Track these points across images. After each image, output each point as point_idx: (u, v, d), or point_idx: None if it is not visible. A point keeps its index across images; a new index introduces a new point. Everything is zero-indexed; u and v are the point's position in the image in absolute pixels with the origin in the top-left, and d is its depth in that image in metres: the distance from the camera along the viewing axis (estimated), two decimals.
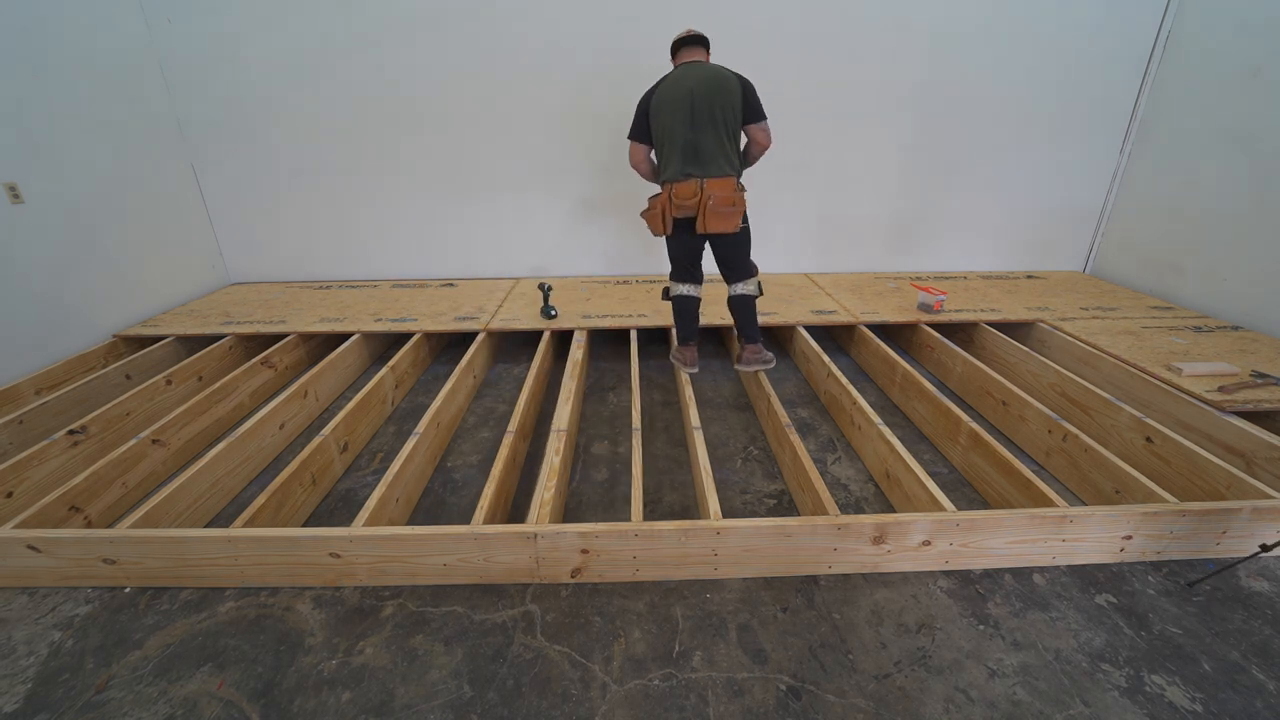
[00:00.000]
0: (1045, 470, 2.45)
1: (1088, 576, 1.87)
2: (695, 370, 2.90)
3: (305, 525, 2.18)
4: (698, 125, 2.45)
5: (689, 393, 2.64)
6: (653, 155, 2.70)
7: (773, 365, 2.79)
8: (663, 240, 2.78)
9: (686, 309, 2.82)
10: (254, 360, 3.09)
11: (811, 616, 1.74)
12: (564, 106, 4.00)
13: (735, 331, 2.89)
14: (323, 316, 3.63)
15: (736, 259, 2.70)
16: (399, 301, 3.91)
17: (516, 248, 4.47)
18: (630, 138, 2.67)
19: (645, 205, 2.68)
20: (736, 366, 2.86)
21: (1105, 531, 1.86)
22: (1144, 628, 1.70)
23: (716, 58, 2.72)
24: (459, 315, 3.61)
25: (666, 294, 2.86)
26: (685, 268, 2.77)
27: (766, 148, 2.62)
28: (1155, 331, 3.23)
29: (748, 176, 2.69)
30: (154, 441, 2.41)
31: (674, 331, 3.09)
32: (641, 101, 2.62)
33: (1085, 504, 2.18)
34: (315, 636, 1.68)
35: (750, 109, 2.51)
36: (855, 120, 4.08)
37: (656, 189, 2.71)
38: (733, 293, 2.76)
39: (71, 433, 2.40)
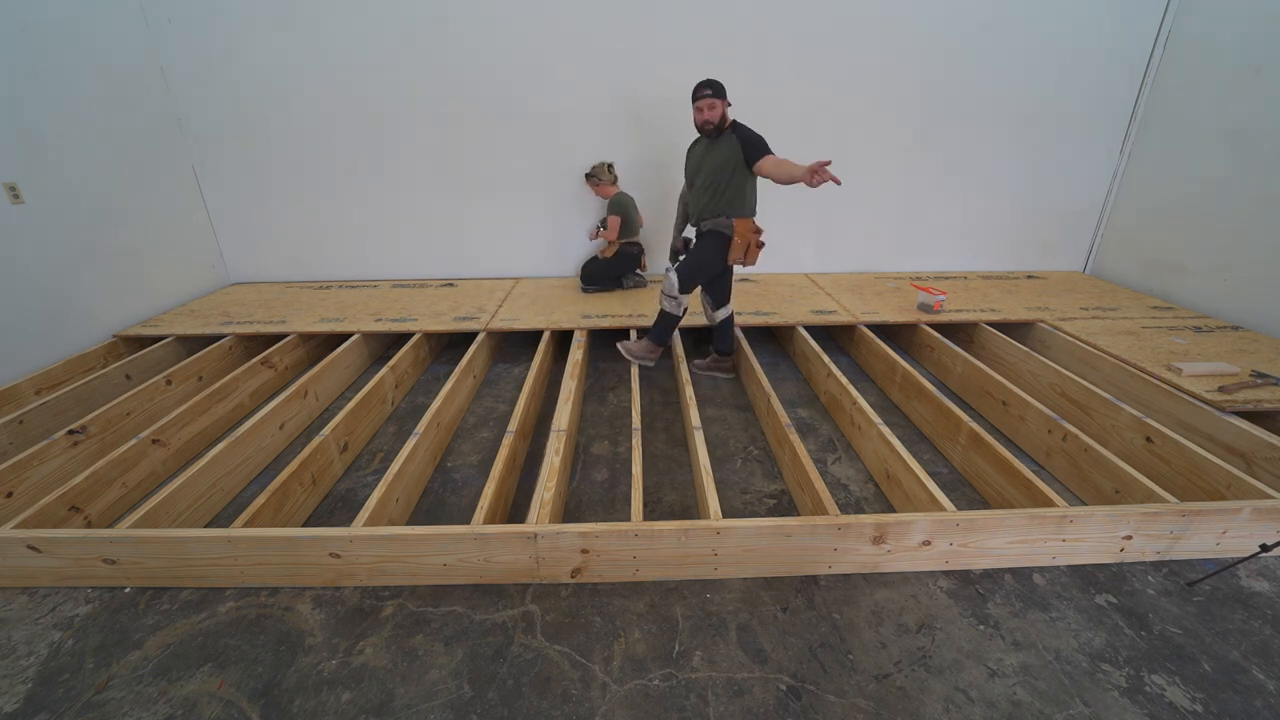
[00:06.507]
0: (1045, 470, 2.45)
1: (1088, 576, 1.87)
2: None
3: (305, 525, 2.18)
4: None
5: (689, 393, 2.64)
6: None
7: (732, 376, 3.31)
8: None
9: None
10: (254, 360, 3.09)
11: (811, 616, 1.74)
12: (562, 106, 3.99)
13: (713, 344, 3.28)
14: (323, 316, 3.63)
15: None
16: (399, 301, 3.91)
17: (516, 247, 4.47)
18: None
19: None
20: (706, 370, 3.28)
21: (1105, 531, 1.86)
22: (1144, 628, 1.70)
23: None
24: (459, 315, 3.61)
25: (677, 306, 2.98)
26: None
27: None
28: (1155, 331, 3.23)
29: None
30: (154, 441, 2.41)
31: (629, 333, 3.44)
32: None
33: (1085, 504, 2.18)
34: (315, 636, 1.68)
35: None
36: (855, 120, 4.09)
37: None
38: (725, 315, 3.11)
39: (71, 433, 2.40)
